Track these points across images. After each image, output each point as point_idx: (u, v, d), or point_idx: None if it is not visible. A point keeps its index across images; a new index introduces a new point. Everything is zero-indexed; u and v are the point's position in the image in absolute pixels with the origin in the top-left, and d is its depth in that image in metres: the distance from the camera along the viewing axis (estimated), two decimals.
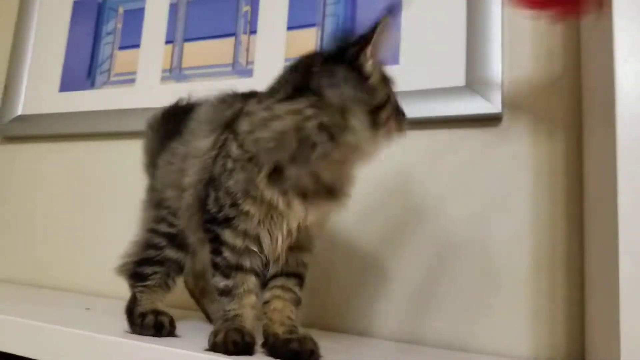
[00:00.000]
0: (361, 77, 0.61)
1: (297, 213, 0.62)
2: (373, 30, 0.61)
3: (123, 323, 0.70)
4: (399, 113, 0.67)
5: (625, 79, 0.61)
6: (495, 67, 0.91)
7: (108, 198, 1.24)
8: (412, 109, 0.94)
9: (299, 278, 0.68)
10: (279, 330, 0.62)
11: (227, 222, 0.62)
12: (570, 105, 0.88)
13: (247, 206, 0.61)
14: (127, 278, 0.74)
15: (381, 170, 0.98)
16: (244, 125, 0.62)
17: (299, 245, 0.67)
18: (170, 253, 0.73)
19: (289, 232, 0.63)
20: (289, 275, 0.67)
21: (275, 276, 0.67)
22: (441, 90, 0.95)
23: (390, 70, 0.96)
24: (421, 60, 0.98)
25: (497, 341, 0.86)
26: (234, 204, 0.61)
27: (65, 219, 1.28)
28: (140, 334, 0.66)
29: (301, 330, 0.63)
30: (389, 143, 0.66)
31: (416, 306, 0.92)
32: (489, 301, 0.88)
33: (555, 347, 0.83)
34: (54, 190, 1.32)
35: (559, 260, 0.85)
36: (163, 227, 0.74)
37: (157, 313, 0.68)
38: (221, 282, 0.63)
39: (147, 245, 0.74)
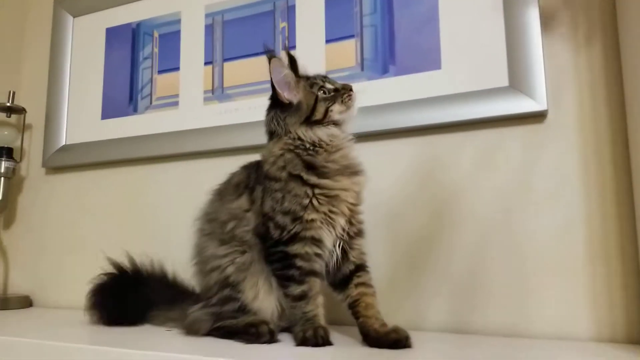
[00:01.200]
0: (286, 105, 0.84)
1: (348, 184, 0.80)
2: (270, 73, 0.84)
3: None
4: (332, 97, 0.84)
5: None
6: (537, 64, 0.95)
7: (159, 221, 1.28)
8: (457, 112, 0.99)
9: (368, 270, 0.83)
10: (376, 325, 0.76)
11: (293, 238, 0.79)
12: (615, 96, 0.91)
13: (308, 214, 0.78)
14: None
15: (431, 172, 1.02)
16: (265, 167, 0.83)
17: (355, 231, 0.83)
18: None
19: (348, 209, 0.81)
20: (363, 269, 0.83)
21: (353, 273, 0.82)
22: (485, 92, 0.98)
23: (433, 74, 1.02)
24: (463, 64, 1.01)
25: (558, 325, 0.90)
26: (296, 219, 0.78)
27: (117, 245, 1.31)
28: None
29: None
30: (348, 118, 0.86)
31: (473, 297, 0.96)
32: (546, 289, 0.92)
33: (615, 329, 0.87)
34: (102, 217, 1.36)
35: (612, 248, 0.89)
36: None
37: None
38: (297, 289, 0.77)
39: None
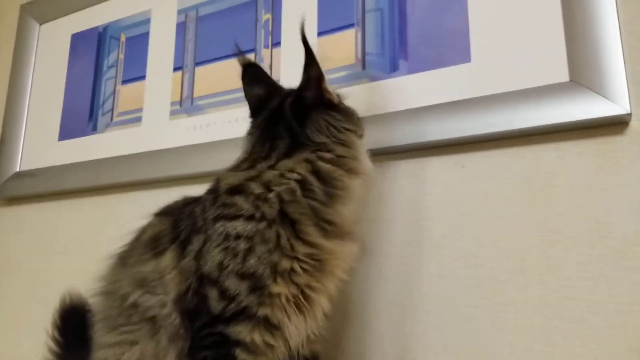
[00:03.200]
0: (335, 107, 0.63)
1: (351, 254, 0.60)
2: (312, 57, 0.61)
3: None
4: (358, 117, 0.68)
5: None
6: (613, 50, 0.65)
7: None
8: (495, 121, 0.70)
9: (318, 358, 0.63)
10: None
11: (239, 315, 0.54)
12: None
13: (275, 286, 0.54)
14: None
15: (460, 203, 0.73)
16: (245, 198, 0.57)
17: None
18: None
19: (333, 282, 0.59)
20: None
21: None
22: (535, 91, 0.69)
23: (460, 69, 0.75)
24: (501, 54, 0.72)
25: None
26: (257, 288, 0.54)
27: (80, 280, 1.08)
28: None
29: None
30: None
31: None
32: None
33: None
34: (64, 255, 1.12)
35: None
36: None
37: None
38: None
39: None
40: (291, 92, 0.65)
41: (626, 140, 0.65)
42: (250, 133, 0.67)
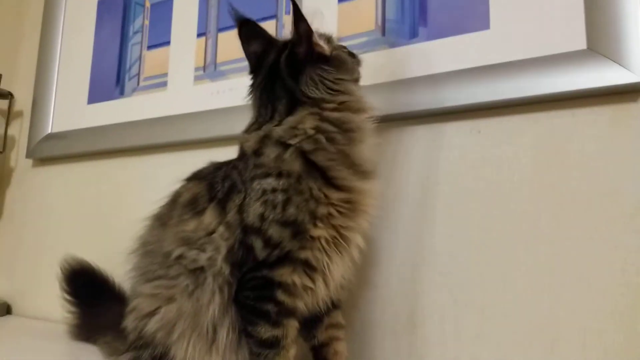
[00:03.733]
0: (327, 59, 0.62)
1: (375, 189, 0.62)
2: (299, 14, 0.60)
3: None
4: (353, 55, 0.69)
5: None
6: (630, 17, 0.66)
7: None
8: (513, 87, 0.72)
9: (342, 306, 0.69)
10: None
11: (283, 259, 0.57)
12: None
13: (315, 230, 0.57)
14: None
15: (479, 168, 0.75)
16: (271, 155, 0.59)
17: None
18: None
19: (367, 220, 0.62)
20: (338, 306, 0.68)
21: (327, 311, 0.66)
22: (552, 59, 0.70)
23: (479, 36, 0.76)
24: (520, 21, 0.73)
25: None
26: (297, 233, 0.57)
27: (106, 247, 1.13)
28: None
29: None
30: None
31: (517, 335, 0.68)
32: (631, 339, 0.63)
33: None
34: (91, 215, 1.17)
35: None
36: None
37: None
38: (268, 332, 0.57)
39: None
40: (285, 45, 0.64)
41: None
42: (251, 92, 0.68)
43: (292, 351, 0.59)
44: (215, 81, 0.99)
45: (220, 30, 1.01)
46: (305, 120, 0.60)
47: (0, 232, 1.33)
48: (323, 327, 0.66)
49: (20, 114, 1.33)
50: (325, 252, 0.58)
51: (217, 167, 0.68)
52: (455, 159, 0.77)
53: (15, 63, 1.37)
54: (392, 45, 0.82)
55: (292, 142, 0.59)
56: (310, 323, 0.66)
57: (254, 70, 0.69)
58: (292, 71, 0.62)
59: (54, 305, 1.14)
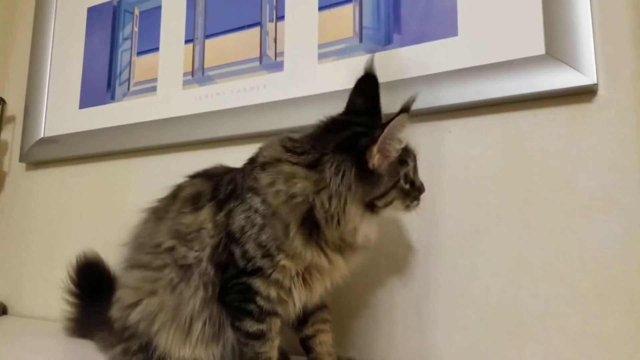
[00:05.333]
0: (366, 168, 0.60)
1: (341, 269, 0.65)
2: (384, 126, 0.59)
3: None
4: (411, 191, 0.65)
5: None
6: (584, 26, 0.72)
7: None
8: (479, 90, 0.78)
9: (327, 304, 0.73)
10: None
11: (257, 272, 0.62)
12: None
13: (283, 260, 0.61)
14: None
15: (448, 167, 0.80)
16: (265, 179, 0.62)
17: None
18: None
19: (331, 284, 0.67)
20: (323, 307, 0.73)
21: (313, 313, 0.72)
22: (514, 63, 0.76)
23: (448, 43, 0.81)
24: (485, 28, 0.79)
25: None
26: (268, 256, 0.61)
27: (98, 247, 1.17)
28: None
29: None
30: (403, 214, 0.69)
31: (496, 327, 0.74)
32: (595, 318, 0.69)
33: None
34: (83, 216, 1.21)
35: None
36: None
37: None
38: (253, 327, 0.63)
39: None
40: (371, 126, 0.62)
41: (594, 107, 0.73)
42: (318, 127, 0.67)
43: (277, 342, 0.64)
44: (203, 86, 1.04)
45: (207, 36, 1.05)
46: (305, 183, 0.60)
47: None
48: (309, 324, 0.72)
49: (12, 119, 1.36)
50: (293, 281, 0.63)
51: (227, 170, 0.72)
52: (428, 158, 0.82)
53: (7, 69, 1.41)
54: (369, 50, 0.87)
55: (279, 187, 0.61)
56: (297, 321, 0.71)
57: (343, 114, 0.69)
58: (339, 146, 0.61)
59: (48, 305, 1.20)
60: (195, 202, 0.68)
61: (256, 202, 0.62)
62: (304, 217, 0.60)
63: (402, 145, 0.62)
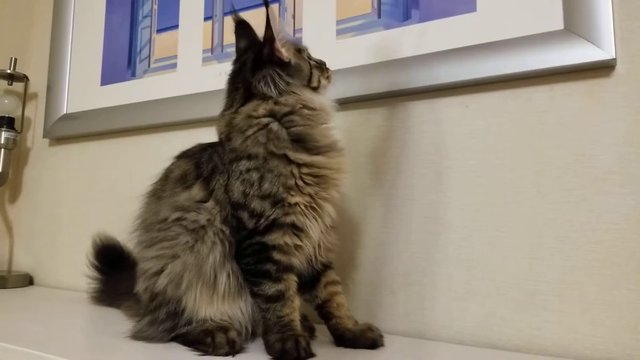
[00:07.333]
0: (285, 64, 0.69)
1: (340, 163, 0.70)
2: (268, 26, 0.68)
3: None
4: (321, 68, 0.75)
5: None
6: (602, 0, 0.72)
7: None
8: (496, 65, 0.79)
9: (334, 266, 0.75)
10: (349, 324, 0.72)
11: (271, 226, 0.65)
12: None
13: (292, 197, 0.65)
14: None
15: (465, 139, 0.82)
16: (237, 141, 0.68)
17: (331, 223, 0.72)
18: None
19: (337, 191, 0.70)
20: (330, 267, 0.75)
21: (321, 272, 0.74)
22: (532, 38, 0.77)
23: (466, 19, 0.82)
24: (503, 3, 0.79)
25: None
26: (277, 202, 0.65)
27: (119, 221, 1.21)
28: None
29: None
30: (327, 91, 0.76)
31: (507, 303, 0.76)
32: (610, 293, 0.71)
33: None
34: (105, 191, 1.25)
35: None
36: None
37: None
38: (272, 288, 0.65)
39: None
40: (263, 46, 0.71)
41: (611, 82, 0.73)
42: (226, 82, 0.76)
43: (297, 301, 0.66)
44: (222, 62, 1.06)
45: (226, 14, 1.07)
46: (257, 108, 0.68)
47: (20, 208, 1.41)
48: (322, 286, 0.73)
49: (35, 95, 1.40)
50: (305, 215, 0.67)
51: (203, 148, 0.75)
52: (446, 131, 0.84)
53: (29, 47, 1.43)
54: (387, 26, 0.88)
55: (248, 133, 0.67)
56: (310, 284, 0.73)
57: (234, 63, 0.76)
58: (254, 68, 0.70)
59: (72, 275, 1.24)
60: (184, 182, 0.72)
61: (243, 164, 0.67)
62: (290, 136, 0.67)
63: (288, 38, 0.72)
